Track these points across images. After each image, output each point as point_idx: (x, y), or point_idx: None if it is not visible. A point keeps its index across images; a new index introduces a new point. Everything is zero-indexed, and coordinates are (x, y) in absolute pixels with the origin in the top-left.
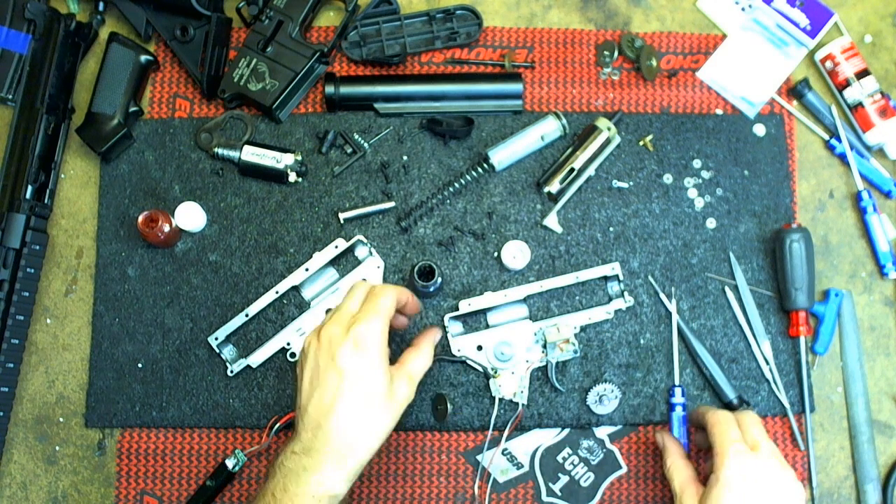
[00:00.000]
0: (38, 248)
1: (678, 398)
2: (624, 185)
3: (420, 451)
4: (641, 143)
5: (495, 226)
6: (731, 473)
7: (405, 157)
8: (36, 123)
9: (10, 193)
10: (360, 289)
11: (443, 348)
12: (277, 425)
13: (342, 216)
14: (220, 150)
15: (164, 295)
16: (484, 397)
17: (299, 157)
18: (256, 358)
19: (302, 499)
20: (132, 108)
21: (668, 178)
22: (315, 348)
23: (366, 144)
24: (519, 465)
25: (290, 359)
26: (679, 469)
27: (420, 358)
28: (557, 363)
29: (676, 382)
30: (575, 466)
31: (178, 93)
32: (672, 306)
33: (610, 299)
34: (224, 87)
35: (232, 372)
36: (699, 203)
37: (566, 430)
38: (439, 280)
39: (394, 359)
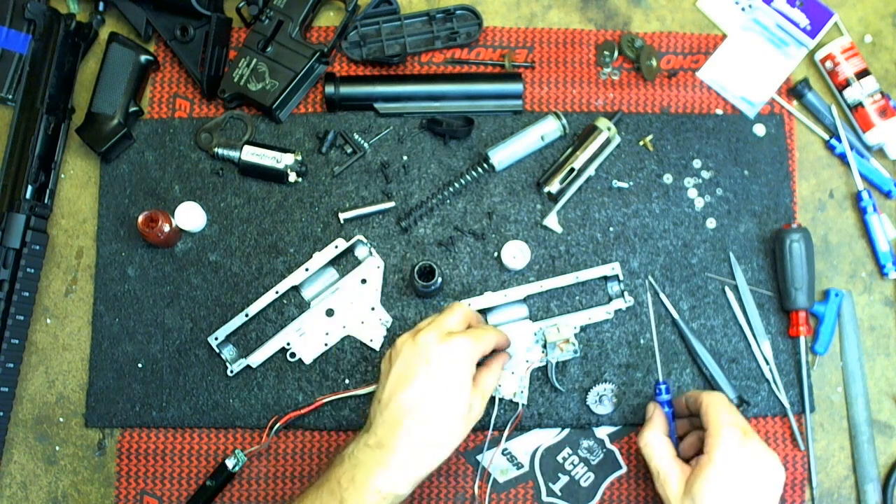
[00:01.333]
0: (38, 248)
1: (665, 396)
2: (624, 185)
3: None
4: (641, 143)
5: (495, 226)
6: (725, 454)
7: (405, 157)
8: (36, 123)
9: (10, 193)
10: (461, 309)
11: None
12: (277, 425)
13: (342, 216)
14: (220, 150)
15: (164, 295)
16: None
17: (299, 157)
18: (256, 358)
19: (368, 493)
20: (132, 108)
21: (668, 178)
22: (410, 347)
23: (366, 144)
24: (519, 465)
25: (289, 359)
26: (661, 445)
27: (492, 377)
28: (557, 363)
29: (660, 378)
30: (575, 466)
31: (178, 93)
32: (650, 298)
33: (610, 299)
34: (224, 87)
35: (232, 372)
36: (699, 203)
37: (566, 430)
38: (439, 280)
39: None
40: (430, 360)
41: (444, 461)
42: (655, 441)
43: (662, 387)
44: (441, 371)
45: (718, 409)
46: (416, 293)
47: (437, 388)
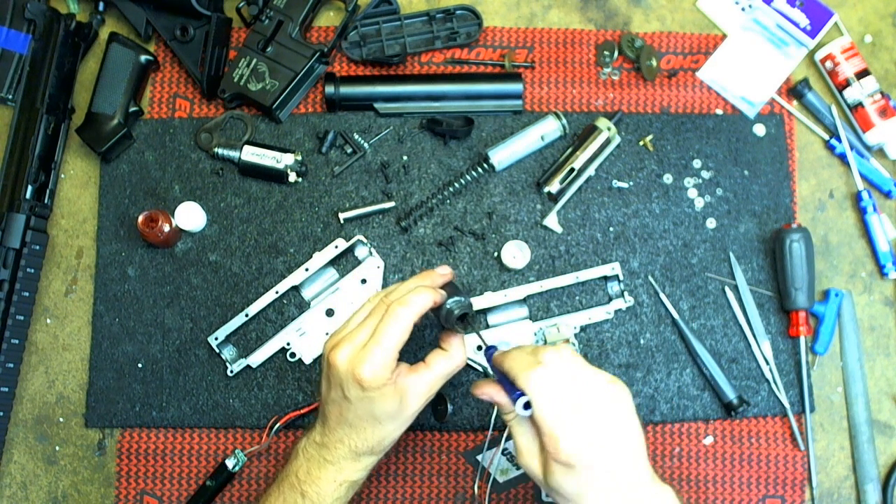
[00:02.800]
0: (38, 248)
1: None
2: (624, 185)
3: (420, 451)
4: (641, 143)
5: (495, 226)
6: (533, 395)
7: (405, 157)
8: (36, 123)
9: (10, 193)
10: (369, 306)
11: None
12: (277, 425)
13: (342, 216)
14: (220, 150)
15: (164, 295)
16: None
17: (299, 157)
18: (256, 358)
19: (325, 483)
20: (132, 108)
21: (668, 178)
22: (327, 368)
23: (366, 144)
24: (519, 466)
25: (289, 359)
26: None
27: (418, 379)
28: None
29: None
30: None
31: (178, 93)
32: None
33: (610, 299)
34: (224, 87)
35: (232, 372)
36: (699, 203)
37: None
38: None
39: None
40: (343, 391)
41: (392, 441)
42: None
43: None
44: (357, 401)
45: (511, 359)
46: (442, 327)
47: (357, 413)
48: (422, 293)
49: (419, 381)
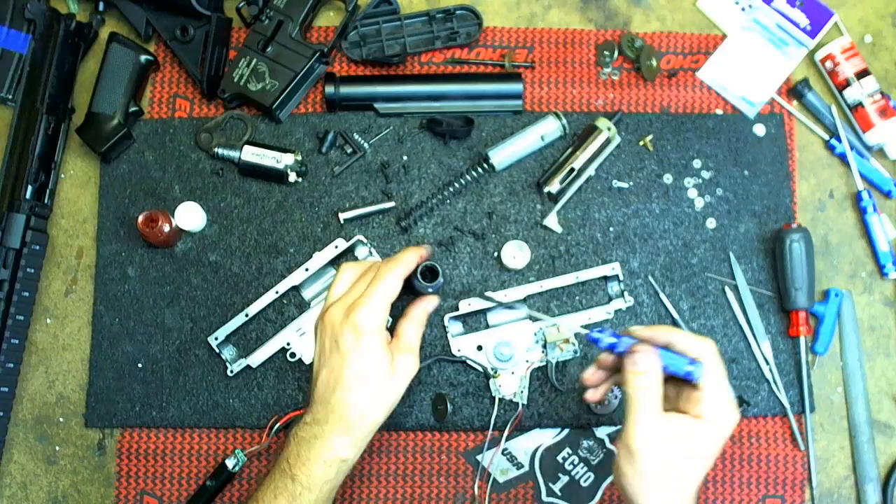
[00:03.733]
0: (38, 248)
1: (605, 337)
2: (624, 185)
3: (420, 451)
4: (641, 143)
5: (495, 226)
6: (723, 423)
7: (405, 157)
8: (36, 123)
9: (10, 193)
10: (348, 273)
11: (443, 348)
12: (277, 425)
13: (342, 216)
14: (220, 150)
15: (164, 295)
16: (484, 397)
17: (299, 157)
18: (256, 358)
19: (314, 463)
20: (132, 108)
21: (668, 178)
22: (321, 331)
23: (366, 144)
24: (519, 465)
25: (289, 359)
26: (658, 382)
27: (413, 327)
28: (557, 363)
29: (584, 332)
30: (575, 466)
31: (178, 93)
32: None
33: (610, 299)
34: (224, 87)
35: (232, 372)
36: (699, 203)
37: (566, 430)
38: (441, 280)
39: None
40: (337, 341)
41: (384, 418)
42: (653, 376)
43: (597, 335)
44: (349, 349)
45: (718, 367)
46: (414, 292)
47: (350, 365)
48: (408, 252)
49: (408, 326)
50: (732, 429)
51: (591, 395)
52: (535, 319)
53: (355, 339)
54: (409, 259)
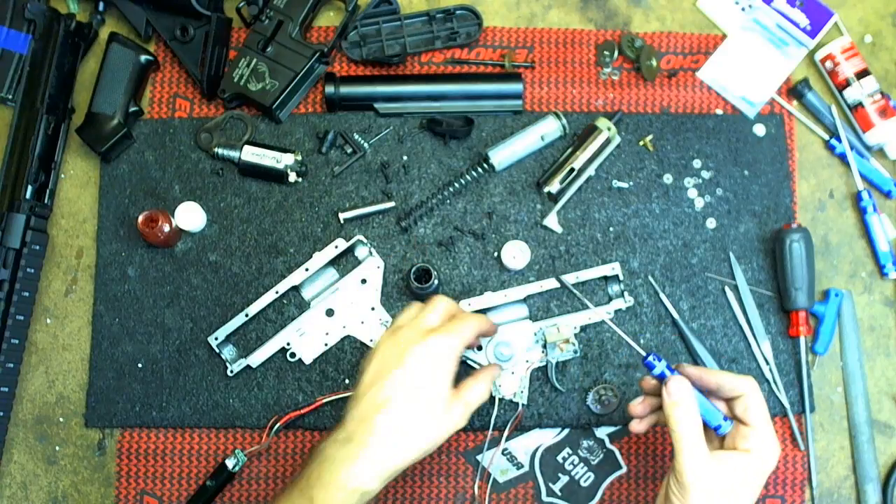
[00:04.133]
0: (38, 248)
1: (661, 365)
2: (624, 185)
3: None
4: (641, 143)
5: (495, 226)
6: (769, 456)
7: (405, 157)
8: (36, 123)
9: (10, 193)
10: (443, 303)
11: None
12: (277, 425)
13: (342, 216)
14: (220, 150)
15: (164, 295)
16: None
17: (299, 157)
18: (256, 358)
19: (334, 489)
20: (132, 108)
21: (668, 178)
22: (388, 344)
23: (366, 144)
24: (519, 465)
25: (289, 359)
26: (694, 410)
27: (478, 389)
28: (557, 363)
29: (642, 353)
30: (575, 466)
31: (178, 93)
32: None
33: (610, 299)
34: (224, 87)
35: (232, 372)
36: (699, 203)
37: (566, 430)
38: (436, 282)
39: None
40: (405, 360)
41: (417, 460)
42: (688, 404)
43: (651, 359)
44: (417, 370)
45: (762, 403)
46: (413, 295)
47: (411, 386)
48: (484, 319)
49: (473, 382)
50: (777, 461)
51: (636, 426)
52: (562, 283)
53: (426, 359)
54: (485, 323)
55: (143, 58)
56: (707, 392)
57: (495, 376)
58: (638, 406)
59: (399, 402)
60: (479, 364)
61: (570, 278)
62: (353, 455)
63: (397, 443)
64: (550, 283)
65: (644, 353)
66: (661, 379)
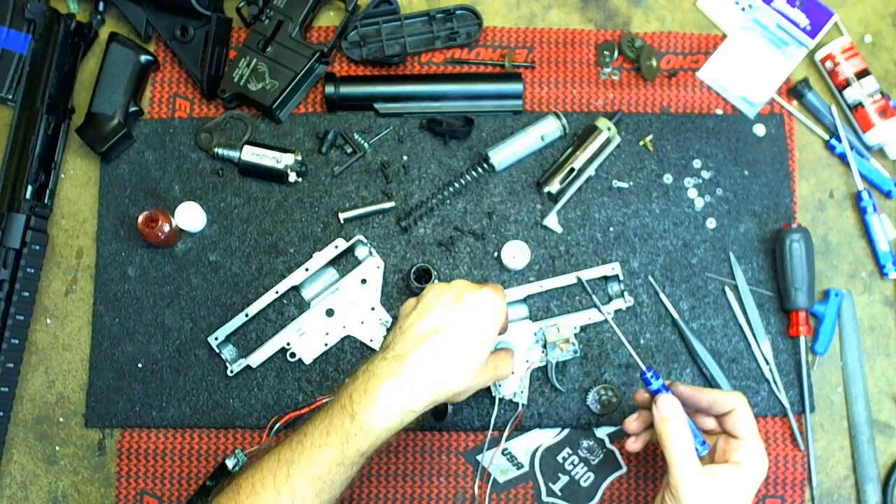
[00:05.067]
0: (38, 248)
1: (657, 382)
2: (624, 185)
3: (420, 451)
4: (641, 143)
5: (495, 226)
6: (758, 468)
7: (405, 157)
8: (36, 123)
9: (10, 193)
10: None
11: None
12: (277, 425)
13: (342, 216)
14: (220, 150)
15: (164, 295)
16: (484, 397)
17: (299, 157)
18: (256, 358)
19: (380, 405)
20: (132, 108)
21: (668, 178)
22: (441, 288)
23: (366, 144)
24: (519, 465)
25: (289, 359)
26: (684, 427)
27: (504, 363)
28: (557, 363)
29: (643, 367)
30: (575, 466)
31: (178, 93)
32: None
33: (610, 299)
34: (224, 87)
35: (232, 372)
36: (699, 203)
37: (566, 430)
38: (436, 282)
39: None
40: (463, 301)
41: (456, 395)
42: (678, 420)
43: (650, 375)
44: (472, 312)
45: (751, 417)
46: (413, 295)
47: (466, 324)
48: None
49: (502, 359)
50: (766, 472)
51: (631, 445)
52: (582, 286)
53: (482, 306)
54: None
55: (143, 58)
56: (698, 410)
57: (512, 357)
58: (633, 423)
59: (454, 332)
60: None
61: (570, 278)
62: (400, 370)
63: (446, 370)
64: (550, 283)
65: (644, 368)
66: (654, 394)
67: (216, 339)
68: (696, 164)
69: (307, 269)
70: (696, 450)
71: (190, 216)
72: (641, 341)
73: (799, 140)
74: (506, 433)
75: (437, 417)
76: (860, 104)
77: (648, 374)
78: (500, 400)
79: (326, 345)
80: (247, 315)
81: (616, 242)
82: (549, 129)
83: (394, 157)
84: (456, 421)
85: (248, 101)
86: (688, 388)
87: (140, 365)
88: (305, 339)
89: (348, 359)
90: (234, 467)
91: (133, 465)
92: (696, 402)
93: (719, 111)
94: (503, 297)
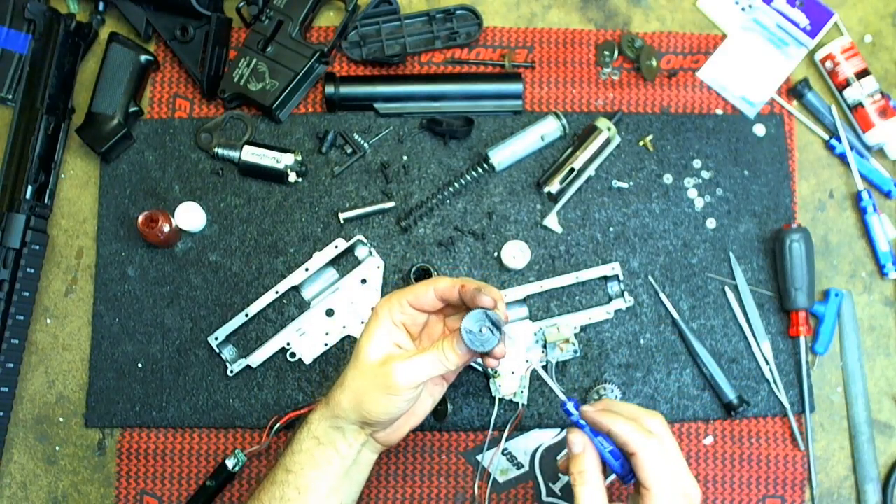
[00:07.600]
0: (38, 248)
1: (576, 415)
2: (624, 185)
3: (420, 451)
4: (641, 143)
5: (495, 226)
6: (650, 468)
7: (405, 157)
8: (36, 123)
9: (10, 193)
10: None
11: None
12: (277, 425)
13: (342, 216)
14: (220, 150)
15: (164, 295)
16: (484, 397)
17: (299, 157)
18: (256, 358)
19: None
20: (132, 108)
21: (668, 178)
22: None
23: (366, 144)
24: (519, 465)
25: (289, 359)
26: (597, 479)
27: (412, 365)
28: (557, 363)
29: (563, 399)
30: None
31: (178, 93)
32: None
33: (610, 299)
34: (224, 87)
35: (232, 372)
36: (699, 203)
37: (566, 430)
38: None
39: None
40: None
41: (390, 430)
42: (592, 471)
43: (570, 405)
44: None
45: (661, 462)
46: None
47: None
48: (450, 279)
49: (408, 364)
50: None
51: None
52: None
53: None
54: (444, 282)
55: (143, 58)
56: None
57: (452, 358)
58: (564, 464)
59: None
60: (480, 365)
61: (570, 278)
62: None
63: (360, 414)
64: (550, 283)
65: (564, 399)
66: (576, 422)
67: (216, 339)
68: (696, 164)
69: (307, 269)
70: (624, 476)
71: (190, 216)
72: (641, 341)
73: (799, 140)
74: (506, 433)
75: (438, 418)
76: (860, 104)
77: (570, 407)
78: (500, 400)
79: (326, 345)
80: (247, 315)
81: (616, 242)
82: (549, 129)
83: (394, 157)
84: (456, 421)
85: (248, 101)
86: (594, 415)
87: (140, 365)
88: (305, 339)
89: (348, 359)
90: (234, 467)
91: (133, 465)
92: (598, 429)
93: (719, 111)
94: (394, 294)
